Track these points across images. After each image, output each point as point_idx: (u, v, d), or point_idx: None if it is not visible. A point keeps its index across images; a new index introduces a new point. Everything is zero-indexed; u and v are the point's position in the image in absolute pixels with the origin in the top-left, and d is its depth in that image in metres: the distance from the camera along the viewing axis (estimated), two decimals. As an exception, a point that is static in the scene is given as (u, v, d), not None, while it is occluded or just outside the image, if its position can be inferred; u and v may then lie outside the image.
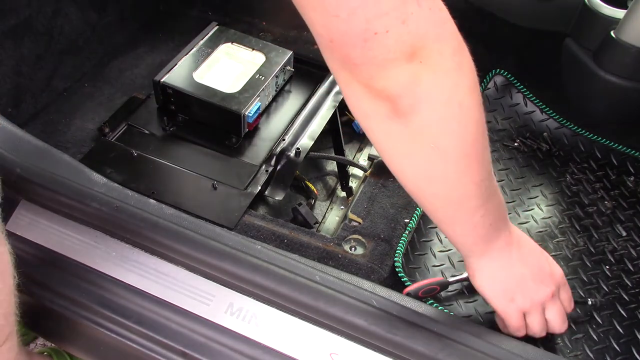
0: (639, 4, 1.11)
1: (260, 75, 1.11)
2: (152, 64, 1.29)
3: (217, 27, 1.22)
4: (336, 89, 1.24)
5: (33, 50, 1.16)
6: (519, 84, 1.34)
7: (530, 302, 0.74)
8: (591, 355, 0.94)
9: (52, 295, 0.82)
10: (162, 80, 1.10)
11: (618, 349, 0.95)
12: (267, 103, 1.16)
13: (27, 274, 0.83)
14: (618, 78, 1.19)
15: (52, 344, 1.33)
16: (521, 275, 0.73)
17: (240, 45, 1.18)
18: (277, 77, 1.15)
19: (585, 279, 1.05)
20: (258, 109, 1.09)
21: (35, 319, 0.91)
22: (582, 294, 1.02)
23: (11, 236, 0.85)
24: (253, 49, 1.17)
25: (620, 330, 0.97)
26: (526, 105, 1.34)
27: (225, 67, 1.14)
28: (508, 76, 1.34)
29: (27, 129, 0.95)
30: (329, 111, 1.19)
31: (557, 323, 0.78)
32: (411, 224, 1.03)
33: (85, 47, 1.26)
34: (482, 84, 1.33)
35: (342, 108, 1.32)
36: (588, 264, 1.07)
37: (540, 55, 1.34)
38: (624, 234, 1.13)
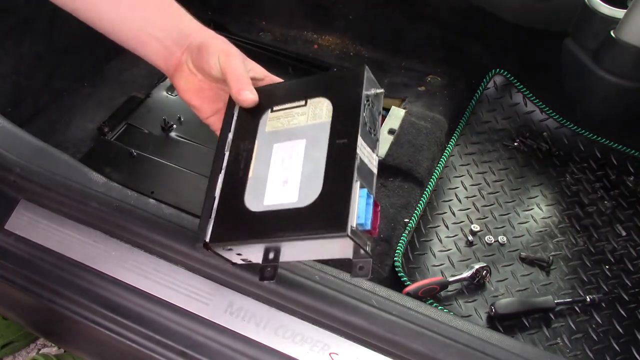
0: (639, 3, 1.11)
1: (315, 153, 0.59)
2: (152, 63, 1.29)
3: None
4: (336, 88, 1.24)
5: (33, 50, 1.15)
6: (519, 84, 1.34)
7: None
8: (591, 355, 0.94)
9: (52, 295, 0.82)
10: None
11: (618, 349, 0.95)
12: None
13: (27, 273, 0.83)
14: (618, 78, 1.19)
15: (52, 344, 1.33)
16: None
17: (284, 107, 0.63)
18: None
19: (585, 278, 1.05)
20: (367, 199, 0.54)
21: (35, 319, 0.91)
22: (582, 293, 1.02)
23: (11, 236, 0.85)
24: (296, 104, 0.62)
25: (620, 330, 0.97)
26: (526, 105, 1.34)
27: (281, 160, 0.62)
28: (508, 76, 1.34)
29: (26, 128, 0.94)
30: (328, 111, 1.18)
31: None
32: (411, 224, 1.03)
33: (85, 47, 1.26)
34: (482, 84, 1.34)
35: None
36: (588, 263, 1.07)
37: (540, 55, 1.34)
38: (624, 233, 1.13)
